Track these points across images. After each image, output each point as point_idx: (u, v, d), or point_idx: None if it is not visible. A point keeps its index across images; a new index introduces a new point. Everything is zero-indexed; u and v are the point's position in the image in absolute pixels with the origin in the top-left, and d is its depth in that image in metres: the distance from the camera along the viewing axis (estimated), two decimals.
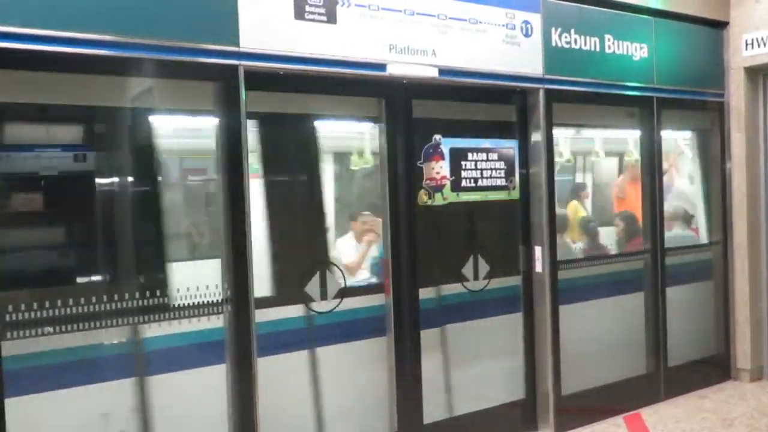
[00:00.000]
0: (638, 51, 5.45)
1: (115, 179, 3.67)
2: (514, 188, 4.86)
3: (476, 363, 4.81)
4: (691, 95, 5.90)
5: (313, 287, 4.11)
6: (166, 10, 3.48)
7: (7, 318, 3.14)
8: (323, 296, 4.14)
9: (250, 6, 3.70)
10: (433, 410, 4.54)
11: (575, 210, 6.52)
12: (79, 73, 3.39)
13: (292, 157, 4.29)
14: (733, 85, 6.04)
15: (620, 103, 5.54)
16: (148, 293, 3.52)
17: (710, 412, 5.39)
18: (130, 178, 3.71)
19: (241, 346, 3.73)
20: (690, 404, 5.61)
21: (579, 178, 7.43)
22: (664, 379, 5.69)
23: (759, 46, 5.81)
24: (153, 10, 3.44)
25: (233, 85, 3.70)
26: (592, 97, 5.24)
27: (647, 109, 5.63)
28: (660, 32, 5.59)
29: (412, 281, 4.45)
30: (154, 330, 3.56)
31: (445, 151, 4.54)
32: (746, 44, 5.90)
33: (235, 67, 3.70)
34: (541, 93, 4.89)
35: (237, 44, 3.68)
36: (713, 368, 6.12)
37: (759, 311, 6.08)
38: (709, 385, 5.97)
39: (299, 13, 3.88)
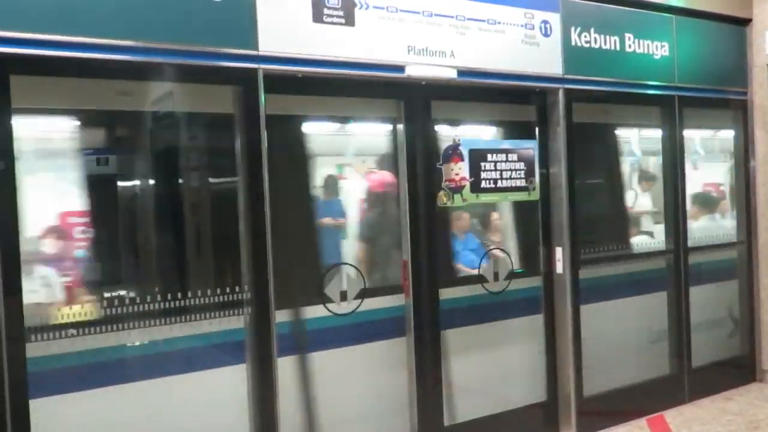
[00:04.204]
0: (659, 49, 5.40)
1: None
2: (534, 189, 4.84)
3: (497, 364, 4.79)
4: (714, 93, 5.83)
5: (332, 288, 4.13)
6: (185, 15, 3.51)
7: None
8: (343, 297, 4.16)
9: (268, 10, 3.73)
10: (453, 412, 4.53)
11: None
12: (102, 78, 3.45)
13: None
14: (756, 83, 5.96)
15: (641, 103, 5.50)
16: None
17: (736, 415, 5.32)
18: None
19: (261, 347, 3.76)
20: (715, 406, 5.54)
21: None
22: (688, 380, 5.63)
23: None
24: (173, 16, 3.48)
25: (252, 89, 3.72)
26: (612, 97, 5.21)
27: (669, 108, 5.57)
28: (681, 30, 5.54)
29: (432, 282, 4.45)
30: None
31: (465, 152, 4.52)
32: None
33: (255, 71, 3.72)
34: (561, 93, 4.87)
35: (256, 48, 3.71)
36: (738, 370, 6.04)
37: None
38: (734, 387, 5.90)
39: (317, 16, 3.89)
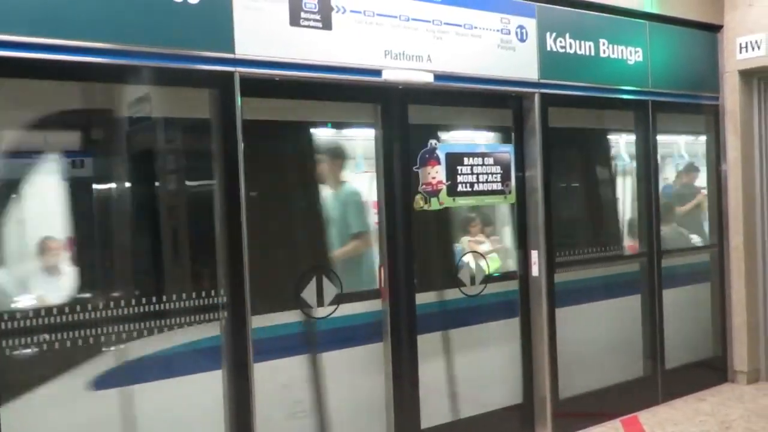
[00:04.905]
0: (633, 55, 5.47)
1: None
2: (510, 192, 4.87)
3: (473, 367, 4.81)
4: (686, 99, 5.91)
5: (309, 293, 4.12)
6: (161, 17, 3.48)
7: None
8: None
9: (245, 12, 3.71)
10: (430, 415, 4.54)
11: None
12: (77, 81, 3.41)
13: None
14: (727, 88, 6.06)
15: (615, 107, 5.56)
16: None
17: (708, 415, 5.40)
18: None
19: (237, 353, 3.73)
20: (688, 407, 5.62)
21: None
22: (661, 381, 5.70)
23: (753, 49, 5.83)
24: (149, 18, 3.44)
25: (228, 92, 3.70)
26: (587, 101, 5.26)
27: (642, 113, 5.65)
28: (654, 36, 5.61)
29: (409, 286, 4.46)
30: None
31: (441, 156, 4.54)
32: (740, 47, 5.91)
33: (231, 74, 3.70)
34: (537, 97, 4.91)
35: (232, 51, 3.69)
36: (710, 371, 6.13)
37: (755, 313, 6.10)
38: (707, 388, 5.98)
39: (294, 20, 3.88)
